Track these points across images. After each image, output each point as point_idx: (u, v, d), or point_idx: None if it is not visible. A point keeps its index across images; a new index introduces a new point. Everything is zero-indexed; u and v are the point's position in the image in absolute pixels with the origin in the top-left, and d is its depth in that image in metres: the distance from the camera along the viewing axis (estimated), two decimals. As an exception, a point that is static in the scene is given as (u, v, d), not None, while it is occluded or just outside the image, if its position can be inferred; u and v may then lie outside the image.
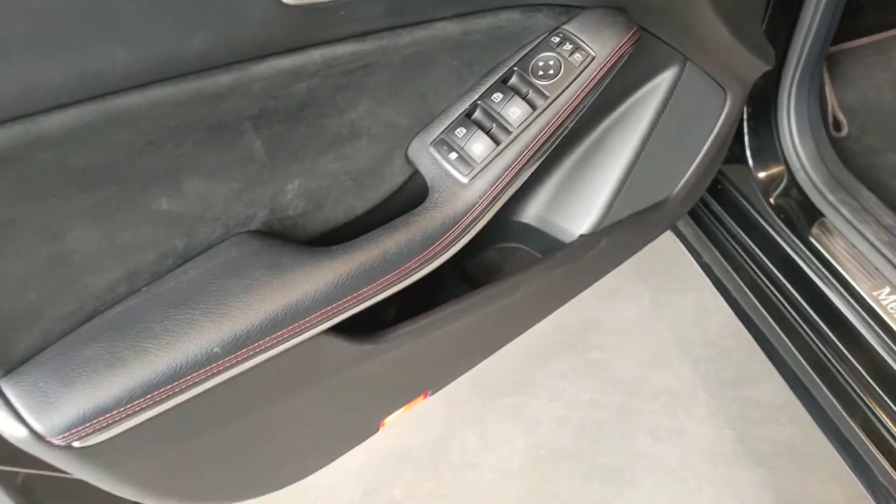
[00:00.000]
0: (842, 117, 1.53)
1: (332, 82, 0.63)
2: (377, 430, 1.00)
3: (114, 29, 0.47)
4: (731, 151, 1.27)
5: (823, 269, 1.15)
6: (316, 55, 0.58)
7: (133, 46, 0.48)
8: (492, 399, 1.58)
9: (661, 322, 1.61)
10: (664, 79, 0.92)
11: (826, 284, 1.14)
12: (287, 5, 0.53)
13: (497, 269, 1.01)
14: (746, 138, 1.27)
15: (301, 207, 0.72)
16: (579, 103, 0.74)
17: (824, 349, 1.13)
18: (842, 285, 1.12)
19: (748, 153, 1.27)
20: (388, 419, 0.99)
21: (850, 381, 1.08)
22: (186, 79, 0.53)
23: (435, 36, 0.65)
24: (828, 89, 1.53)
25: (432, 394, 1.04)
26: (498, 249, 1.03)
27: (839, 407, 1.09)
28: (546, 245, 1.00)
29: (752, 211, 1.29)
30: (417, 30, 0.63)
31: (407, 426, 1.55)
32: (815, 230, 1.22)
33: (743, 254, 1.31)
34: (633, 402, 1.53)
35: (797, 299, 1.17)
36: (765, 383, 1.52)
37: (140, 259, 0.62)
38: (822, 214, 1.22)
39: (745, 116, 1.24)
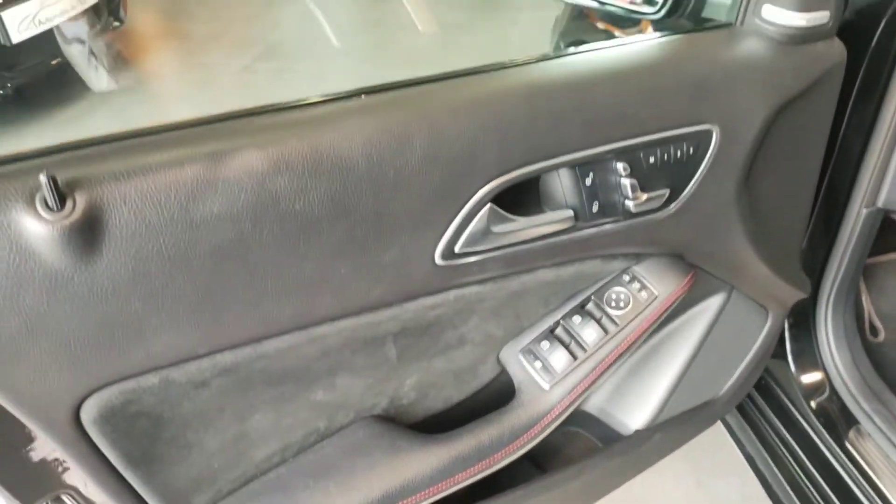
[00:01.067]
0: (878, 324, 1.66)
1: (455, 309, 0.82)
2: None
3: (330, 287, 0.67)
4: (776, 351, 1.40)
5: (858, 475, 1.25)
6: (451, 295, 0.77)
7: (338, 297, 0.68)
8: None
9: None
10: (713, 301, 1.09)
11: (860, 490, 1.24)
12: (438, 265, 0.72)
13: (558, 452, 1.15)
14: (788, 344, 1.41)
15: (412, 397, 0.89)
16: (644, 331, 0.92)
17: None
18: (875, 493, 1.22)
19: (790, 357, 1.41)
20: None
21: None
22: (361, 314, 0.72)
23: (534, 278, 0.84)
24: (864, 298, 1.68)
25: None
26: (562, 432, 1.17)
27: None
28: (604, 433, 1.14)
29: (793, 410, 1.41)
30: (524, 275, 0.82)
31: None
32: (851, 435, 1.33)
33: (784, 449, 1.41)
34: (675, 581, 1.58)
35: (833, 501, 1.27)
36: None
37: (293, 436, 0.79)
38: (857, 421, 1.33)
39: (786, 325, 1.39)
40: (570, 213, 0.79)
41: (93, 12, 2.80)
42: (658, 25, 0.88)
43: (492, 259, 0.76)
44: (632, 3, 0.92)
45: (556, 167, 0.75)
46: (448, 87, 0.71)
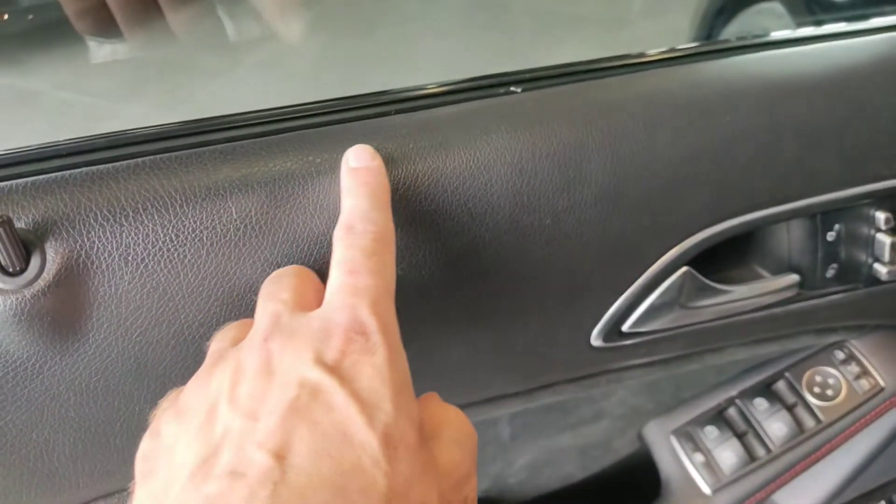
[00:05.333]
0: None
1: (601, 391, 0.58)
2: None
3: (433, 376, 0.45)
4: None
5: None
6: (601, 380, 0.54)
7: (443, 388, 0.46)
8: None
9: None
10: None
11: None
12: (594, 347, 0.49)
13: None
14: None
15: (522, 476, 0.67)
16: (855, 434, 0.65)
17: None
18: None
19: None
20: None
21: None
22: (473, 406, 0.50)
23: (720, 358, 0.59)
24: None
25: None
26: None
27: None
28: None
29: None
30: (707, 356, 0.57)
31: None
32: None
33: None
34: None
35: None
36: None
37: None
38: None
39: None
40: (796, 278, 0.53)
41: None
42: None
43: (668, 338, 0.52)
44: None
45: (793, 215, 0.49)
46: (639, 80, 0.46)
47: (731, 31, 1.49)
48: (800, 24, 1.28)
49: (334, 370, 0.27)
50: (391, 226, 0.33)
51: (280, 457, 0.25)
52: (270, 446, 0.25)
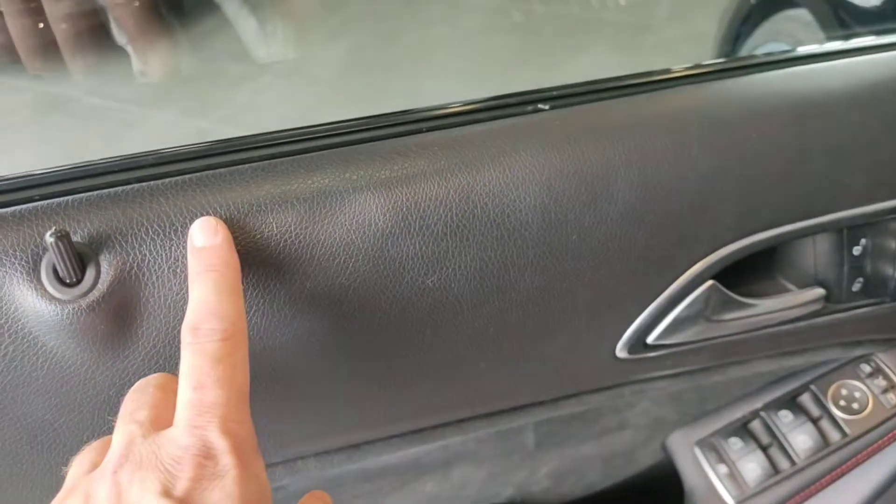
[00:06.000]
0: None
1: (626, 401, 0.59)
2: None
3: (461, 384, 0.46)
4: None
5: None
6: (625, 391, 0.55)
7: (470, 397, 0.48)
8: None
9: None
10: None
11: None
12: (619, 358, 0.49)
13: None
14: None
15: (545, 485, 0.68)
16: (881, 448, 0.65)
17: None
18: None
19: None
20: None
21: None
22: (499, 415, 0.51)
23: (745, 370, 0.59)
24: None
25: None
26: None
27: None
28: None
29: None
30: (731, 368, 0.58)
31: None
32: None
33: None
34: None
35: None
36: None
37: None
38: None
39: None
40: (822, 291, 0.53)
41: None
42: None
43: (693, 351, 0.52)
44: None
45: (819, 229, 0.49)
46: (666, 97, 0.47)
47: (758, 37, 1.48)
48: (827, 32, 1.27)
49: (182, 501, 0.27)
50: (242, 316, 0.32)
51: None
52: None
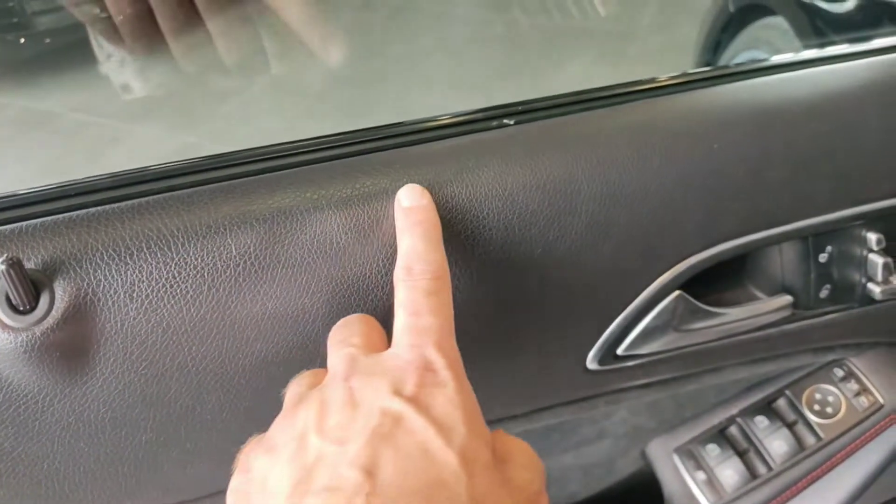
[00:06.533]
0: None
1: (603, 411, 0.59)
2: None
3: None
4: None
5: None
6: (599, 401, 0.55)
7: None
8: None
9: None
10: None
11: None
12: (590, 370, 0.50)
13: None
14: None
15: (526, 495, 0.68)
16: (855, 451, 0.66)
17: None
18: None
19: None
20: None
21: None
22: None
23: (718, 378, 0.60)
24: None
25: None
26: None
27: None
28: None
29: None
30: (705, 376, 0.58)
31: None
32: None
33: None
34: None
35: None
36: None
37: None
38: None
39: None
40: (789, 299, 0.54)
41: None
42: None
43: (664, 360, 0.53)
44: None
45: (784, 238, 0.50)
46: (629, 110, 0.47)
47: (737, 45, 1.49)
48: (803, 40, 1.29)
49: (412, 400, 0.30)
50: (446, 264, 0.36)
51: (370, 473, 0.27)
52: (360, 465, 0.28)
